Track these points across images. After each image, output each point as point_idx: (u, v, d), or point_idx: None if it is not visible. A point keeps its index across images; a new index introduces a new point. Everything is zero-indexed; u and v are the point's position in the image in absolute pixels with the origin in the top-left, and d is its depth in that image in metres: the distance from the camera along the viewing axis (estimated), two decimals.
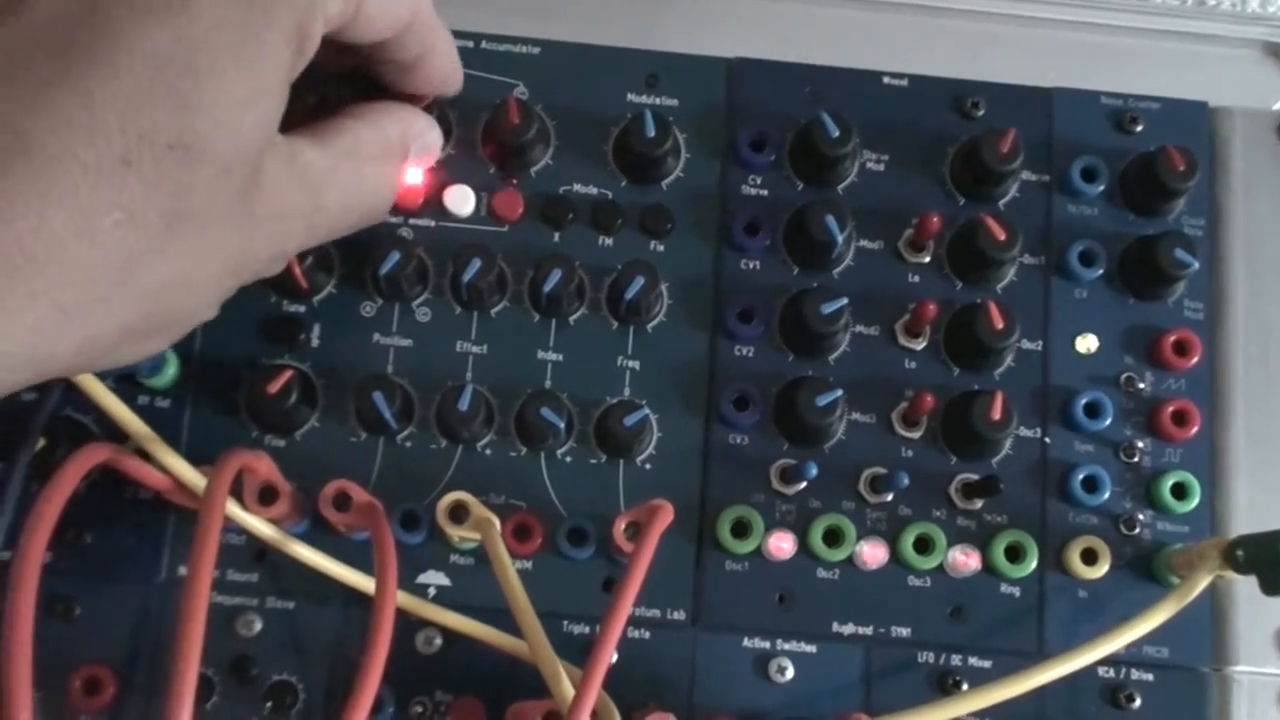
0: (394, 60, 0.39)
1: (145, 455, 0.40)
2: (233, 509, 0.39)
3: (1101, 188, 0.46)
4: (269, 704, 0.41)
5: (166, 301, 0.33)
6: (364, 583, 0.41)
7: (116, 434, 0.40)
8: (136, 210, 0.30)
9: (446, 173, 0.45)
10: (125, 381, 0.42)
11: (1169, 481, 0.44)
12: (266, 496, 0.40)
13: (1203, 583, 0.39)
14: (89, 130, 0.29)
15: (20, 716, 0.32)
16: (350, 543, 0.42)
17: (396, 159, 0.40)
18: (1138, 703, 0.43)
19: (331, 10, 0.35)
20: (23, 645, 0.32)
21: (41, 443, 0.41)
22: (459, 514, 0.41)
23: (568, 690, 0.37)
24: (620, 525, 0.40)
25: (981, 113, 0.46)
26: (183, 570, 0.42)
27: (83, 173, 0.29)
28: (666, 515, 0.39)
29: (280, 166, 0.35)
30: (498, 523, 0.41)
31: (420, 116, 0.41)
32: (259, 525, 0.40)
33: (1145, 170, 0.45)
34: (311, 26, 0.34)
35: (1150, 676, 0.43)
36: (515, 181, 0.45)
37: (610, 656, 0.36)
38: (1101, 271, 0.45)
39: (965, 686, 0.42)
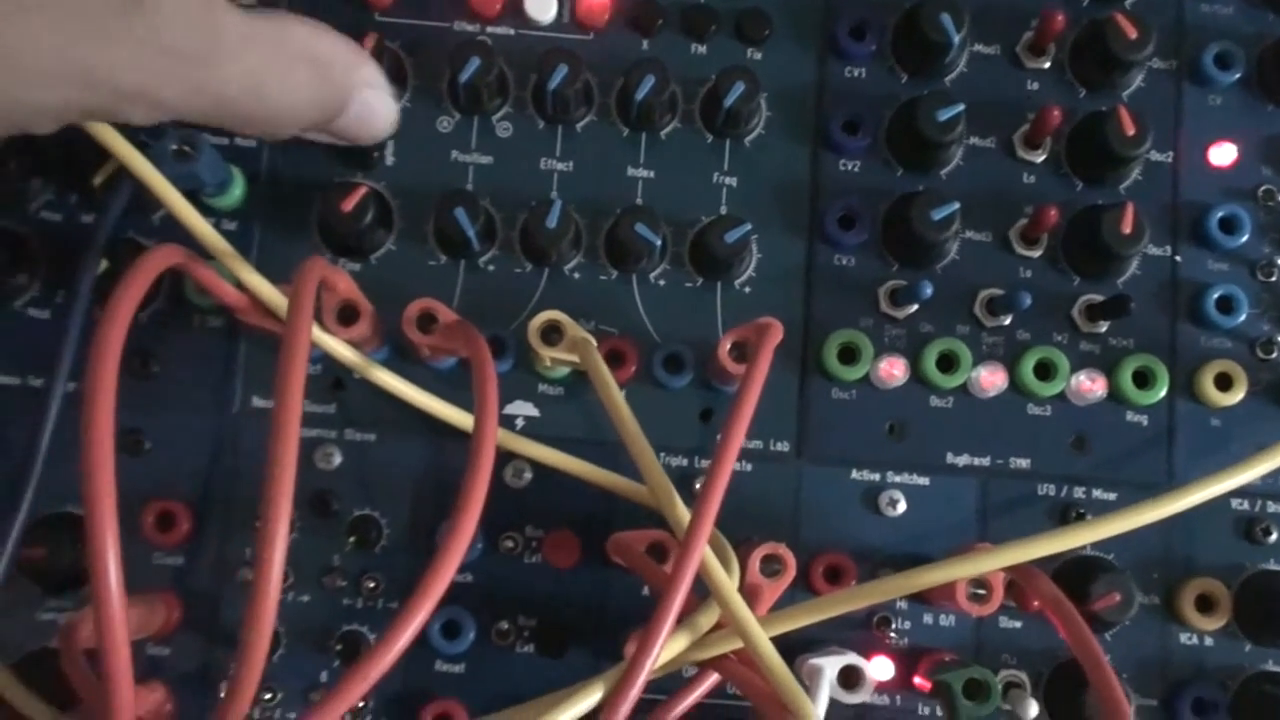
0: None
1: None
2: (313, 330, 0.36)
3: None
4: (352, 539, 0.39)
5: None
6: (449, 410, 0.39)
7: None
8: None
9: None
10: (189, 201, 0.39)
11: None
12: (347, 315, 0.37)
13: None
14: None
15: (107, 546, 0.29)
16: (431, 373, 0.40)
17: (324, 86, 0.36)
18: (1274, 536, 0.40)
19: None
20: (105, 453, 0.29)
21: (104, 265, 0.38)
22: (552, 336, 0.38)
23: (682, 511, 0.34)
24: (726, 346, 0.37)
25: None
26: (256, 401, 0.39)
27: None
28: (776, 333, 0.36)
29: (190, 2, 0.31)
30: (594, 341, 0.38)
31: (373, 69, 0.37)
32: (340, 348, 0.37)
33: None
34: None
35: None
36: None
37: (727, 477, 0.33)
38: (1239, 75, 0.42)
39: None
